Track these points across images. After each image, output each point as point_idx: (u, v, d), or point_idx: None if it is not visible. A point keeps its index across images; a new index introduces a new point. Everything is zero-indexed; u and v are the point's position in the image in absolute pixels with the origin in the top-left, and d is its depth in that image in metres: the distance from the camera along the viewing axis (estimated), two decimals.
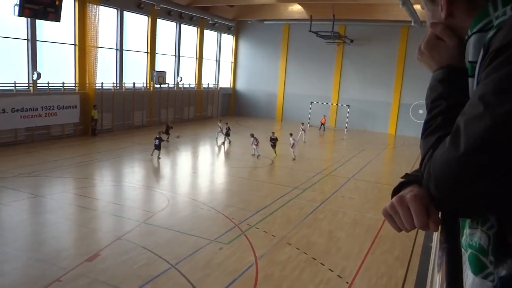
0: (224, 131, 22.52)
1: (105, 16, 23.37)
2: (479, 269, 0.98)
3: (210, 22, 31.65)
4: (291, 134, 19.76)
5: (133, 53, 26.11)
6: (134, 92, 25.74)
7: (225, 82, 36.84)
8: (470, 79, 1.06)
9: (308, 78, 33.84)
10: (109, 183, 14.28)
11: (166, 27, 28.68)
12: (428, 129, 1.11)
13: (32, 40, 19.63)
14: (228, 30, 35.23)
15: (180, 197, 13.09)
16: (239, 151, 20.92)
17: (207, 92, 33.44)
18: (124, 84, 25.28)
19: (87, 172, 15.35)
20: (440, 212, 1.02)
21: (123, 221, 10.47)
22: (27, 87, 19.82)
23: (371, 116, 32.00)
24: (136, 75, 26.20)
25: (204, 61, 33.10)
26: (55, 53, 21.32)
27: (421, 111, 29.64)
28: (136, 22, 26.03)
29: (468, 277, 1.00)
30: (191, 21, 30.26)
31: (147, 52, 26.96)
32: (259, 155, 19.36)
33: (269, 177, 16.85)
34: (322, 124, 30.82)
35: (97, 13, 21.92)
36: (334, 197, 13.83)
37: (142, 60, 26.91)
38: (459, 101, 1.05)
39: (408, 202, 1.02)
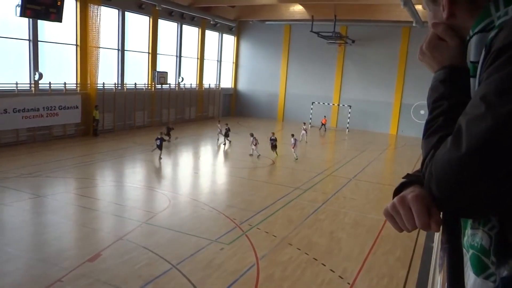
0: (224, 132, 22.42)
1: (107, 17, 23.40)
2: (480, 269, 0.97)
3: (211, 22, 31.67)
4: (292, 135, 19.72)
5: (134, 54, 26.15)
6: (135, 93, 25.76)
7: (227, 83, 36.86)
8: (471, 79, 1.06)
9: (310, 79, 33.84)
10: (110, 184, 14.30)
11: (167, 28, 28.71)
12: (430, 129, 1.11)
13: (34, 40, 19.67)
14: (229, 31, 35.25)
15: (181, 198, 13.09)
16: (240, 151, 20.91)
17: (208, 93, 33.46)
18: (126, 84, 25.31)
19: (89, 173, 15.37)
20: (441, 213, 1.02)
21: (125, 221, 10.48)
22: (28, 88, 19.85)
23: (372, 117, 31.98)
24: (137, 76, 26.23)
25: (205, 62, 33.13)
26: (56, 54, 21.37)
27: (422, 112, 29.62)
28: (138, 23, 26.07)
29: (470, 277, 1.00)
30: (192, 22, 30.28)
31: (148, 53, 26.99)
32: (259, 154, 19.36)
33: (270, 178, 16.84)
34: (322, 124, 30.82)
35: (98, 13, 21.95)
36: (336, 197, 13.82)
37: (144, 60, 26.94)
38: (461, 101, 1.05)
39: (410, 202, 1.02)
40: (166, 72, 27.74)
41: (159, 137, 17.90)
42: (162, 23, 27.82)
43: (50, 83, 20.54)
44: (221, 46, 35.45)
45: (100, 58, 22.48)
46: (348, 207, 12.83)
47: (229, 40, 36.37)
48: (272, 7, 30.59)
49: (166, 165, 17.62)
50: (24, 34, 19.42)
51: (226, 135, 22.26)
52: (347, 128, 31.26)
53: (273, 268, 8.31)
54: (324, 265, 8.58)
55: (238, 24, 35.14)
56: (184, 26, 30.00)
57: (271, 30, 34.49)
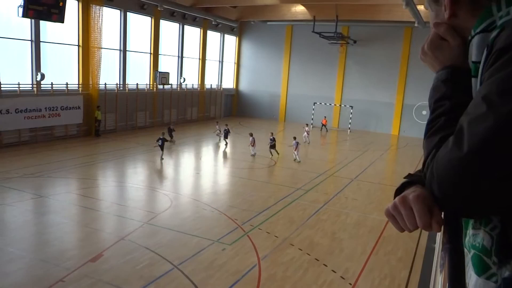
0: (223, 132, 22.28)
1: (109, 17, 23.45)
2: (482, 270, 0.97)
3: (213, 23, 31.69)
4: (294, 138, 19.50)
5: (136, 54, 26.18)
6: (137, 93, 25.79)
7: (228, 83, 36.87)
8: (473, 79, 1.06)
9: (311, 79, 33.82)
10: (112, 184, 14.32)
11: (169, 28, 28.74)
12: (431, 129, 1.10)
13: (36, 41, 19.71)
14: (231, 31, 35.27)
15: (183, 198, 13.10)
16: (241, 152, 20.91)
17: (210, 93, 33.48)
18: (128, 85, 25.35)
19: (91, 173, 15.39)
20: (443, 213, 1.01)
21: (126, 222, 10.50)
22: (30, 88, 19.89)
23: (374, 117, 31.95)
24: (139, 76, 26.27)
25: (207, 62, 33.14)
26: (58, 54, 21.41)
27: (424, 112, 29.59)
28: (140, 23, 26.09)
29: (471, 278, 1.00)
30: (194, 22, 30.31)
31: (150, 53, 27.02)
32: (255, 153, 19.37)
33: (272, 178, 16.84)
34: (323, 125, 30.79)
35: (100, 14, 21.99)
36: (337, 198, 13.81)
37: (145, 61, 26.97)
38: (463, 101, 1.05)
39: (411, 202, 1.02)
40: (168, 73, 27.77)
41: (161, 137, 17.93)
42: (164, 24, 27.85)
43: (52, 84, 20.58)
44: (223, 46, 35.46)
45: (102, 59, 22.52)
46: (350, 208, 12.82)
47: (231, 40, 36.39)
48: (274, 8, 30.60)
49: (168, 165, 17.64)
50: (26, 35, 19.46)
51: (225, 137, 22.14)
52: (349, 128, 31.24)
53: (275, 269, 8.31)
54: (326, 266, 8.58)
55: (240, 25, 35.14)
56: (186, 27, 30.02)
57: (273, 31, 34.50)
